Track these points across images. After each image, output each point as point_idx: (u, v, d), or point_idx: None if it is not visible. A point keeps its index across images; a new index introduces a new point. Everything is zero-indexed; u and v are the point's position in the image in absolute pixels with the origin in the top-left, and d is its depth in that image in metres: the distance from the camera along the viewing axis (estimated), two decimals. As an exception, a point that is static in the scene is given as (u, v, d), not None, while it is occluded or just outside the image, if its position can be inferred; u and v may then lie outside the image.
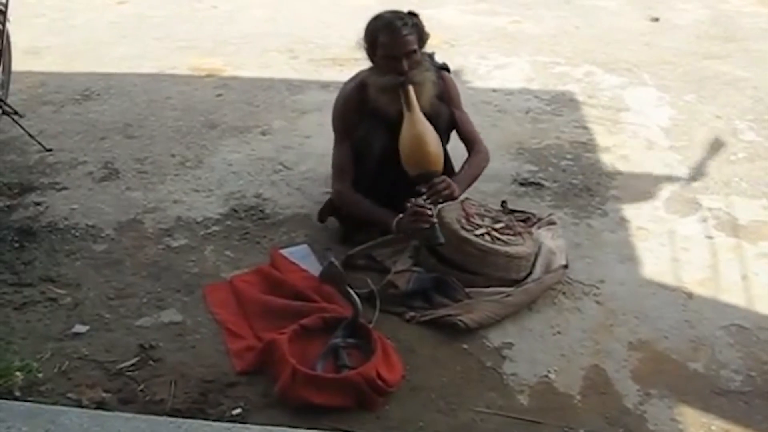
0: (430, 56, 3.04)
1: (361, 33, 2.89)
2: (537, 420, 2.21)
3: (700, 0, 6.34)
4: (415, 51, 2.82)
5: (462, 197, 2.92)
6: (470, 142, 3.07)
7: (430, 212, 2.69)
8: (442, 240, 2.68)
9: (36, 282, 2.77)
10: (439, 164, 2.80)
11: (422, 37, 2.87)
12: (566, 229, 3.11)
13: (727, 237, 3.09)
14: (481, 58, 5.05)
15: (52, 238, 3.04)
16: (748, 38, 5.47)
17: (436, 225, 2.69)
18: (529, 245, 2.82)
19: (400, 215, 2.76)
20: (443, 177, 2.80)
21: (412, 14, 2.89)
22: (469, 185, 2.98)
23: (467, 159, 3.04)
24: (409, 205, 2.71)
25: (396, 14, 2.85)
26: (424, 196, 2.74)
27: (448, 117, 3.01)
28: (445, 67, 3.12)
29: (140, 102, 4.37)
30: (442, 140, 2.93)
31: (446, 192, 2.78)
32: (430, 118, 2.84)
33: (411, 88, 2.79)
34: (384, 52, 2.81)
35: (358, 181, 2.97)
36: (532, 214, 3.14)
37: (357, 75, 3.03)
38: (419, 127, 2.77)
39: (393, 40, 2.79)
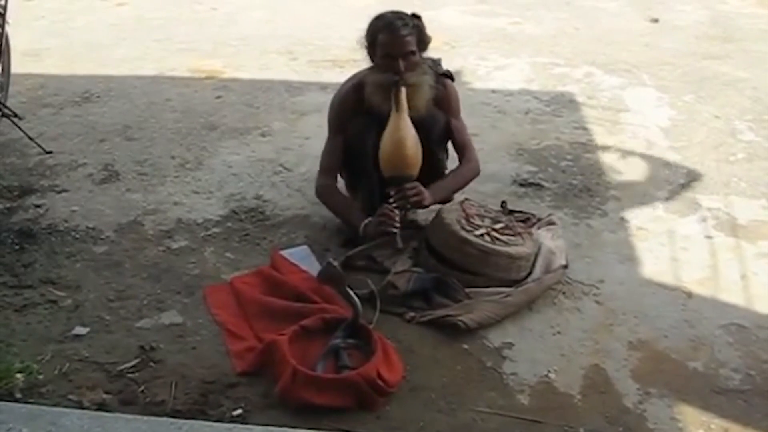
0: (435, 62, 3.03)
1: (362, 33, 2.90)
2: (537, 419, 2.21)
3: (699, 1, 6.35)
4: (413, 52, 2.82)
5: (461, 197, 2.92)
6: (462, 151, 3.05)
7: (395, 216, 2.71)
8: (400, 245, 2.73)
9: (36, 284, 2.77)
10: (414, 169, 2.80)
11: (423, 39, 2.87)
12: (566, 229, 3.11)
13: (726, 237, 3.09)
14: (481, 59, 5.05)
15: (52, 240, 3.04)
16: (746, 39, 5.48)
17: (397, 231, 2.71)
18: (529, 245, 2.82)
19: (369, 219, 2.78)
20: (414, 183, 2.79)
21: (415, 16, 2.88)
22: (448, 195, 2.98)
23: (455, 168, 3.04)
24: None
25: (397, 15, 2.85)
26: (392, 200, 2.75)
27: (443, 124, 2.99)
28: (448, 75, 3.09)
29: (140, 104, 4.37)
30: (436, 148, 2.93)
31: (414, 198, 2.78)
32: (424, 122, 2.84)
33: (403, 90, 2.79)
34: (382, 51, 2.82)
35: (355, 178, 2.99)
36: (532, 214, 3.14)
37: (356, 75, 3.04)
38: (402, 129, 2.77)
39: (392, 40, 2.80)
